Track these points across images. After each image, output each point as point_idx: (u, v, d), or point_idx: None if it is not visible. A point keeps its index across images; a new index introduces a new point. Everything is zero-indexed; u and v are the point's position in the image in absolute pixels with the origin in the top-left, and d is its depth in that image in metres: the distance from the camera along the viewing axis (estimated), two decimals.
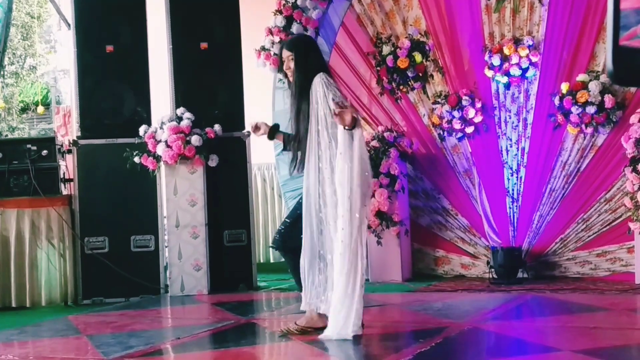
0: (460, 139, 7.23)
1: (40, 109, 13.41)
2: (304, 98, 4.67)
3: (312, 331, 4.64)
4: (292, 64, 4.77)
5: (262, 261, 8.54)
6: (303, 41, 5.14)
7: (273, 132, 4.95)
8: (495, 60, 6.95)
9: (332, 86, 4.62)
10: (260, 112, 7.94)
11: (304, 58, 4.78)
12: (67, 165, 6.97)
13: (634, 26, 1.21)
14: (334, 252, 4.49)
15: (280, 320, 5.67)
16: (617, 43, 1.22)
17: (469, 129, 7.14)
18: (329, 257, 4.54)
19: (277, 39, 7.49)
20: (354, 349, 4.43)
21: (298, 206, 4.75)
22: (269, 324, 5.48)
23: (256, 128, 4.94)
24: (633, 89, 6.57)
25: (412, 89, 7.41)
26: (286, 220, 4.94)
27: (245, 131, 7.15)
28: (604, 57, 6.66)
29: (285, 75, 4.96)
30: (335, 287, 4.48)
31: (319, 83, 4.61)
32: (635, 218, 6.31)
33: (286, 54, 4.82)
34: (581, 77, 6.67)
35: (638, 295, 5.96)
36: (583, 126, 6.68)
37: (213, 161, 6.88)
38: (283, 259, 8.35)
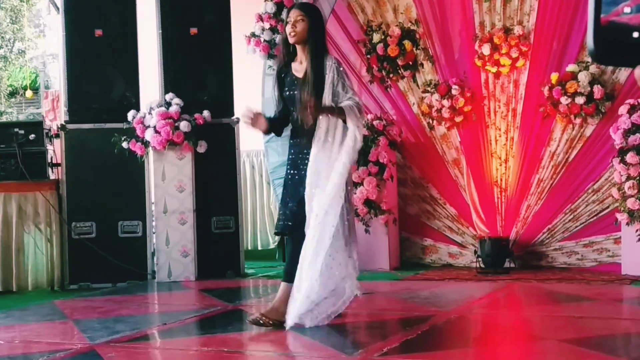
0: (449, 128, 7.23)
1: (29, 93, 13.34)
2: (320, 68, 4.55)
3: (279, 325, 4.55)
4: (299, 26, 4.56)
5: (249, 248, 8.52)
6: (318, 11, 4.84)
7: (269, 125, 4.75)
8: (485, 50, 6.95)
9: (343, 74, 4.58)
10: (250, 98, 7.91)
11: (319, 28, 4.65)
12: (55, 150, 6.94)
13: (623, 2, 1.21)
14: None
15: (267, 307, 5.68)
16: (598, 20, 1.22)
17: (458, 118, 7.14)
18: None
19: (267, 25, 7.47)
20: (341, 337, 4.44)
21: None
22: (256, 310, 5.45)
23: (256, 117, 4.65)
24: (622, 80, 6.59)
25: (402, 77, 7.41)
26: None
27: (234, 117, 7.13)
28: None
29: (285, 44, 4.69)
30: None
31: (330, 67, 4.55)
32: (622, 209, 6.33)
33: (296, 13, 4.59)
34: (571, 67, 6.68)
35: (624, 286, 5.99)
36: (572, 117, 6.69)
37: (202, 147, 6.86)
38: (272, 247, 8.41)
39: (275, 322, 4.53)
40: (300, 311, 4.45)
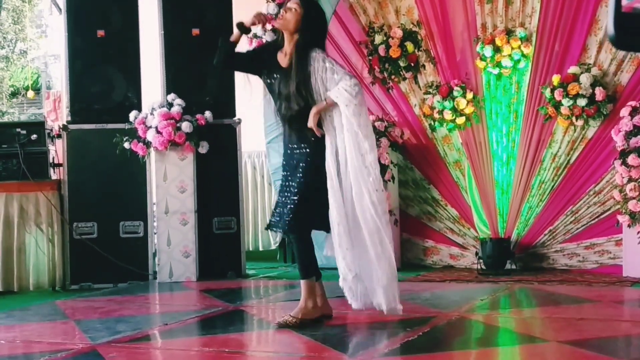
0: (451, 130, 7.24)
1: (31, 93, 13.35)
2: (304, 60, 4.54)
3: (309, 323, 4.62)
4: (289, 14, 4.56)
5: (251, 249, 8.53)
6: (317, 7, 4.83)
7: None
8: (487, 52, 6.95)
9: (330, 60, 4.59)
10: (251, 99, 7.88)
11: (311, 23, 4.60)
12: (57, 150, 6.94)
13: None
14: (367, 222, 4.54)
15: (269, 308, 5.69)
16: (619, 7, 1.22)
17: (460, 120, 7.14)
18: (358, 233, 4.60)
19: (269, 26, 7.46)
20: (342, 337, 4.44)
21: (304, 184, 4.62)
22: (257, 311, 5.48)
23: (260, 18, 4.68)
24: (624, 82, 6.58)
25: (404, 78, 7.41)
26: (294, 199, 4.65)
27: (236, 118, 7.14)
28: (596, 49, 6.67)
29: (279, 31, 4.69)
30: (382, 261, 4.55)
31: (314, 58, 4.54)
32: (623, 211, 6.33)
33: (294, 2, 4.58)
34: (572, 69, 6.68)
35: (625, 288, 5.98)
36: (573, 118, 6.69)
37: (203, 148, 6.86)
38: (273, 248, 8.41)
39: (304, 320, 4.61)
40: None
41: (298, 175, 4.61)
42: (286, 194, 4.66)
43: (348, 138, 4.53)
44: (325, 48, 4.77)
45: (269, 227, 4.83)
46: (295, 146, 4.67)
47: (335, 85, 4.53)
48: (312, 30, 4.64)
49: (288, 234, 4.70)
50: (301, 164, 4.62)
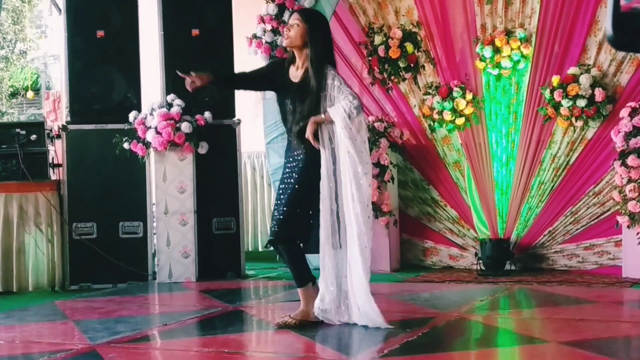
0: (450, 131, 7.24)
1: (30, 94, 13.35)
2: (320, 75, 4.49)
3: (308, 325, 4.62)
4: (292, 31, 4.52)
5: (250, 249, 8.53)
6: (321, 18, 4.75)
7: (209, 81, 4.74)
8: (487, 52, 6.95)
9: (340, 78, 4.55)
10: (251, 99, 7.92)
11: (318, 35, 4.53)
12: (56, 150, 6.94)
13: None
14: (352, 242, 4.48)
15: (268, 309, 5.69)
16: (618, 7, 1.21)
17: (460, 121, 7.14)
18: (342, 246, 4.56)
19: (268, 27, 7.48)
20: (342, 338, 4.44)
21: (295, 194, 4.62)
22: (257, 311, 5.48)
23: (196, 78, 4.70)
24: (623, 82, 6.59)
25: (404, 79, 7.41)
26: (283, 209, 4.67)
27: (235, 119, 7.14)
28: (596, 50, 6.68)
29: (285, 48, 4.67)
30: (363, 276, 4.48)
31: (325, 75, 4.50)
32: (623, 212, 6.33)
33: (294, 17, 4.56)
34: (572, 70, 6.68)
35: (625, 289, 5.98)
36: (573, 119, 6.69)
37: (203, 148, 6.87)
38: (272, 248, 8.39)
39: (303, 322, 4.61)
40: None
41: (291, 185, 4.61)
42: (278, 203, 4.67)
43: (341, 160, 4.50)
44: (335, 61, 4.72)
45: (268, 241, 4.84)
46: (294, 154, 4.66)
47: (338, 103, 4.51)
48: (321, 42, 4.58)
49: (275, 243, 4.68)
50: (295, 175, 4.61)
